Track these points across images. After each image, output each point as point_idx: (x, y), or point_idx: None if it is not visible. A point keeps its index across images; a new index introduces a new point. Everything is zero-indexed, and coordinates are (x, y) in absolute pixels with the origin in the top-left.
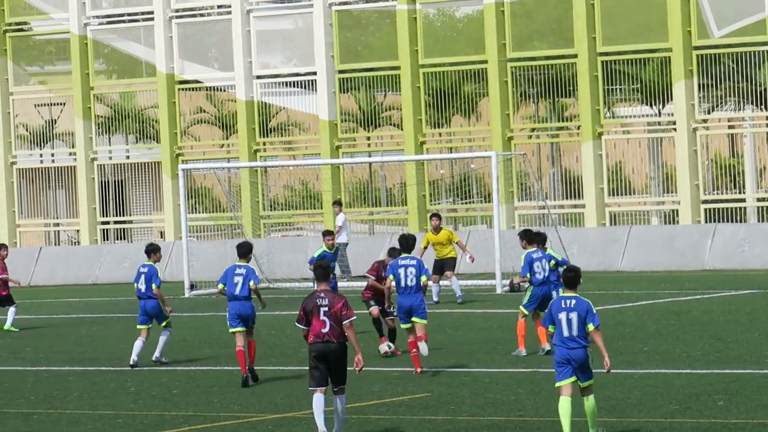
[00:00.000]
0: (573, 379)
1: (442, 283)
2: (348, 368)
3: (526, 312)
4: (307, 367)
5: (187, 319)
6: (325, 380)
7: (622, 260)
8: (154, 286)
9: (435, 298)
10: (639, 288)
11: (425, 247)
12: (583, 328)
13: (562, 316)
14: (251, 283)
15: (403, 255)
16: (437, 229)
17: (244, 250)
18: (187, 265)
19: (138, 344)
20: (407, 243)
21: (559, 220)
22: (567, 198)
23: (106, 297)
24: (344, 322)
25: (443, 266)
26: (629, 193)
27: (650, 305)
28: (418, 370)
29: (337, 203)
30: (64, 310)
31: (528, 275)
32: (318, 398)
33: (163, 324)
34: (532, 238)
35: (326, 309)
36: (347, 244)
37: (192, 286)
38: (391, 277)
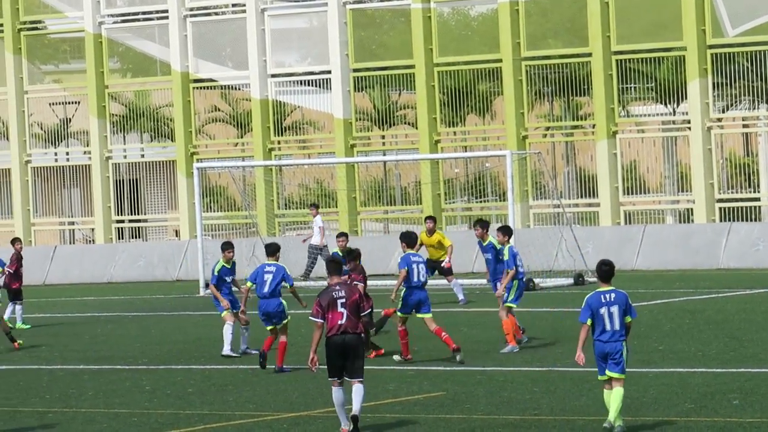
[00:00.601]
0: (614, 373)
1: (439, 282)
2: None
3: (513, 306)
4: (325, 366)
5: (202, 318)
6: (341, 372)
7: (637, 259)
8: (288, 285)
9: (461, 297)
10: (654, 287)
11: (420, 246)
12: (622, 322)
13: (604, 310)
14: (288, 285)
15: (412, 251)
16: (431, 232)
17: (273, 249)
18: (202, 264)
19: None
20: (413, 240)
21: (573, 218)
22: (582, 197)
23: (121, 296)
24: (362, 315)
25: (435, 268)
26: (644, 192)
27: (665, 304)
28: (408, 356)
29: (314, 206)
30: (78, 308)
31: (514, 269)
32: (338, 394)
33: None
34: (509, 233)
35: (343, 300)
36: (326, 246)
37: (207, 285)
38: (405, 269)
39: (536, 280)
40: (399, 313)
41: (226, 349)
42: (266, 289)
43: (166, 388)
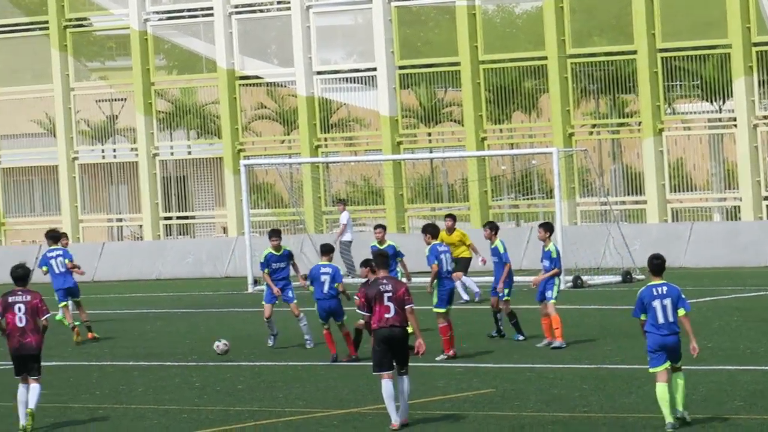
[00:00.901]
0: (667, 364)
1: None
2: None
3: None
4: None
5: (251, 315)
6: (389, 364)
7: (685, 256)
8: (338, 284)
9: (464, 297)
10: (702, 284)
11: None
12: (675, 314)
13: (657, 303)
14: (336, 284)
15: (438, 242)
16: (451, 230)
17: (327, 249)
18: (250, 261)
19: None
20: (436, 231)
21: (621, 216)
22: (628, 194)
23: (170, 292)
24: (406, 307)
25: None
26: (691, 190)
27: (713, 302)
28: (451, 352)
29: (341, 201)
30: (127, 305)
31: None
32: (387, 386)
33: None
34: (551, 229)
35: (390, 294)
36: (351, 242)
37: (255, 282)
38: (436, 263)
39: (584, 278)
40: (437, 309)
41: (309, 343)
42: (326, 290)
43: (215, 384)
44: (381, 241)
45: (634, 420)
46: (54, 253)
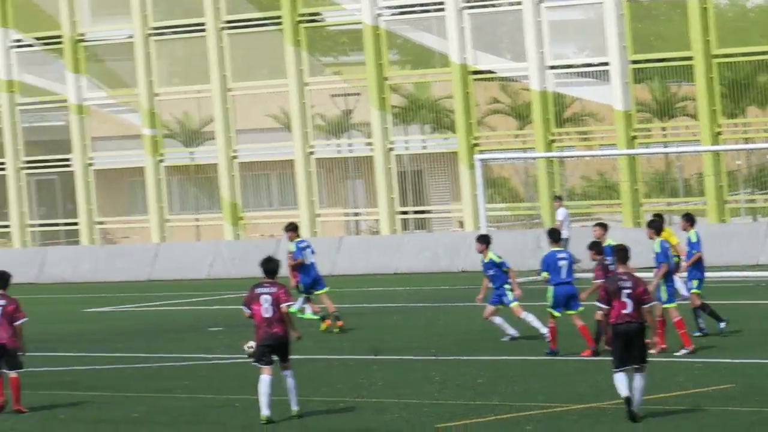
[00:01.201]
0: None
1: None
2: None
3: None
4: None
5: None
6: (626, 360)
7: None
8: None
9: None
10: None
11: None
12: None
13: None
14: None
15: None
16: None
17: (557, 236)
18: None
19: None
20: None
21: None
22: None
23: (407, 286)
24: (644, 306)
25: None
26: None
27: None
28: (691, 348)
29: (558, 198)
30: (366, 299)
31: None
32: (620, 378)
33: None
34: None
35: (629, 291)
36: (568, 239)
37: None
38: (665, 262)
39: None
40: (668, 305)
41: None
42: (564, 276)
43: (455, 378)
44: (600, 239)
45: None
46: (304, 245)
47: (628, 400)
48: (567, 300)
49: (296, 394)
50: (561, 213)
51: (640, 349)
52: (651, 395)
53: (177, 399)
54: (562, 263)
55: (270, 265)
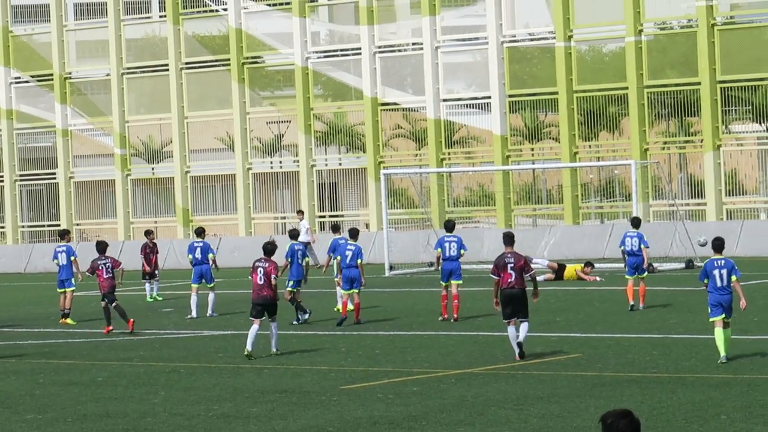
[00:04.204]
0: (723, 316)
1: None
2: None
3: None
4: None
5: (388, 294)
6: (511, 315)
7: (737, 248)
8: (359, 260)
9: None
10: (750, 270)
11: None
12: (729, 280)
13: (716, 272)
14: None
15: (448, 234)
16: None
17: (354, 233)
18: (387, 251)
19: None
20: (451, 225)
21: (685, 215)
22: (692, 198)
23: (322, 276)
24: (526, 275)
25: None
26: (742, 194)
27: (760, 284)
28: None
29: (300, 212)
30: None
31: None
32: (511, 330)
33: None
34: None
35: (512, 264)
36: (308, 243)
37: (391, 268)
38: (439, 249)
39: (655, 265)
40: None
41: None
42: (348, 261)
43: (357, 350)
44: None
45: (694, 379)
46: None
47: (519, 345)
48: (351, 281)
49: (276, 340)
50: (304, 223)
51: (522, 306)
52: (515, 362)
53: (134, 366)
54: (349, 252)
55: (267, 247)
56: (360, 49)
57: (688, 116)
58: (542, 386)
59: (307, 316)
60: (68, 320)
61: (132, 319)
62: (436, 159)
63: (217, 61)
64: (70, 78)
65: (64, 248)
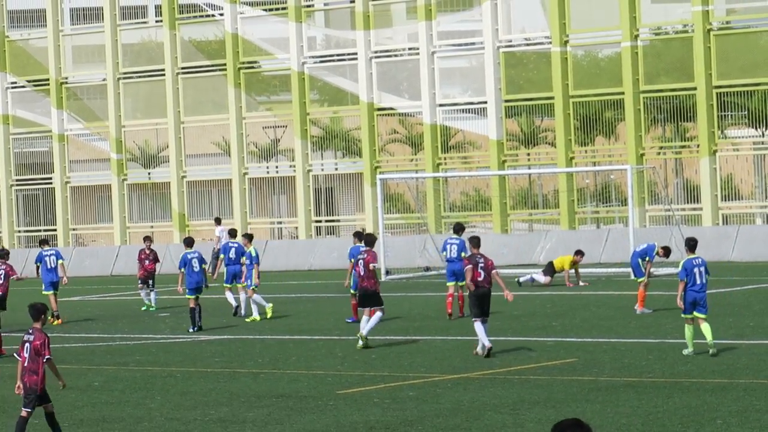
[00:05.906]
0: (694, 314)
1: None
2: None
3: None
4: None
5: (384, 299)
6: (481, 314)
7: (733, 253)
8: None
9: None
10: (746, 275)
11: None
12: (706, 277)
13: (696, 270)
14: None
15: (452, 236)
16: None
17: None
18: (383, 255)
19: None
20: (460, 226)
21: (681, 220)
22: (688, 202)
23: (319, 281)
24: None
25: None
26: (738, 199)
27: (755, 289)
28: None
29: (217, 220)
30: (285, 291)
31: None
32: (478, 326)
33: None
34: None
35: (482, 265)
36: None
37: (387, 272)
38: (443, 253)
39: (651, 270)
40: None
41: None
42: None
43: (354, 354)
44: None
45: (689, 383)
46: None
47: (489, 350)
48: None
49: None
50: (218, 230)
51: (488, 305)
52: (511, 367)
53: (130, 371)
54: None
55: (368, 238)
56: (356, 54)
57: (684, 121)
58: (538, 391)
59: (195, 329)
60: (58, 321)
61: None
62: (433, 164)
63: (213, 66)
64: (67, 83)
65: (53, 252)
